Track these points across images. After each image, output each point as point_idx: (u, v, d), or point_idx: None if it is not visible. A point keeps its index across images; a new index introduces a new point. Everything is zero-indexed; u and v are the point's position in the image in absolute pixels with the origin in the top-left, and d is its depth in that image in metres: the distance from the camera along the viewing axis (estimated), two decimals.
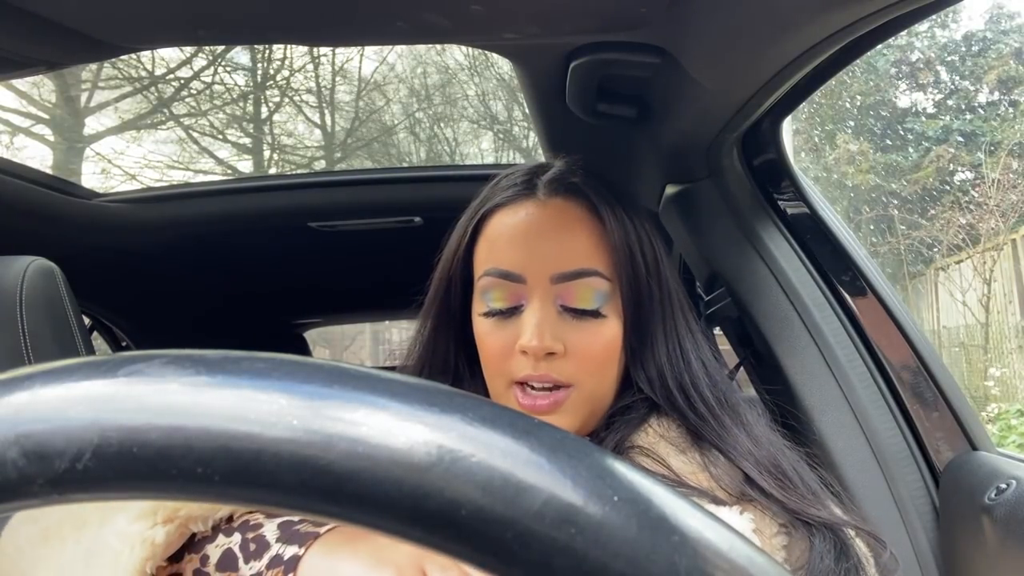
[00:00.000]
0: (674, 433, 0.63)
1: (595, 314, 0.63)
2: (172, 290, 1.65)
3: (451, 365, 0.69)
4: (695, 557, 0.17)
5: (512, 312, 0.64)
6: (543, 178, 0.68)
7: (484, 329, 0.65)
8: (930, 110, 9.77)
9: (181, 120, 8.75)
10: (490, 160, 10.09)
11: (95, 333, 1.67)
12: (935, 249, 7.42)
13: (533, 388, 0.62)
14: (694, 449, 0.62)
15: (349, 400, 0.18)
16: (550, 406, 0.62)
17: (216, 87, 8.75)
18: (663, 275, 0.66)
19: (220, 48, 7.52)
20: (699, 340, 0.67)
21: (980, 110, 9.31)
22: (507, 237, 0.65)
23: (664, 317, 0.65)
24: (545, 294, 0.63)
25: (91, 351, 1.12)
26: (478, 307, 0.66)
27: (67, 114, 7.91)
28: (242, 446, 0.17)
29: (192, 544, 0.45)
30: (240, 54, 8.70)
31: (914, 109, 9.90)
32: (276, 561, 0.42)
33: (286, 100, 9.48)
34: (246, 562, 0.43)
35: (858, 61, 0.85)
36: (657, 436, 0.62)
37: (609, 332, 0.63)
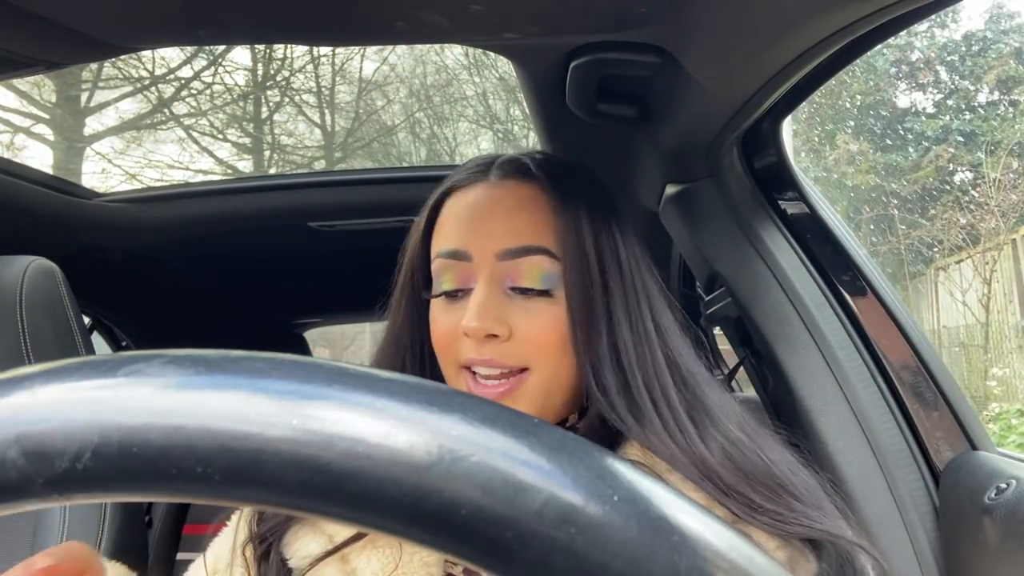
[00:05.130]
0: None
1: (544, 294, 0.61)
2: (172, 290, 1.65)
3: (417, 355, 0.67)
4: (695, 557, 0.17)
5: (462, 294, 0.62)
6: (497, 162, 0.67)
7: (435, 313, 0.63)
8: (930, 110, 9.77)
9: (181, 120, 8.76)
10: None
11: (95, 333, 1.67)
12: (935, 249, 7.42)
13: (482, 374, 0.60)
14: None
15: (349, 400, 0.18)
16: (498, 397, 0.59)
17: (216, 87, 8.76)
18: (625, 266, 0.63)
19: (220, 48, 7.52)
20: (670, 338, 0.64)
21: (980, 110, 9.32)
22: (456, 217, 0.64)
23: (626, 309, 0.62)
24: (492, 273, 0.61)
25: (91, 351, 1.12)
26: (433, 291, 0.64)
27: (67, 114, 7.91)
28: (242, 446, 0.17)
29: None
30: (240, 54, 8.71)
31: (914, 109, 9.90)
32: None
33: (286, 100, 9.49)
34: None
35: (858, 61, 0.85)
36: (647, 452, 0.59)
37: (560, 314, 0.60)
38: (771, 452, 0.60)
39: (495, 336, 0.59)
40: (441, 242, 0.64)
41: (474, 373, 0.61)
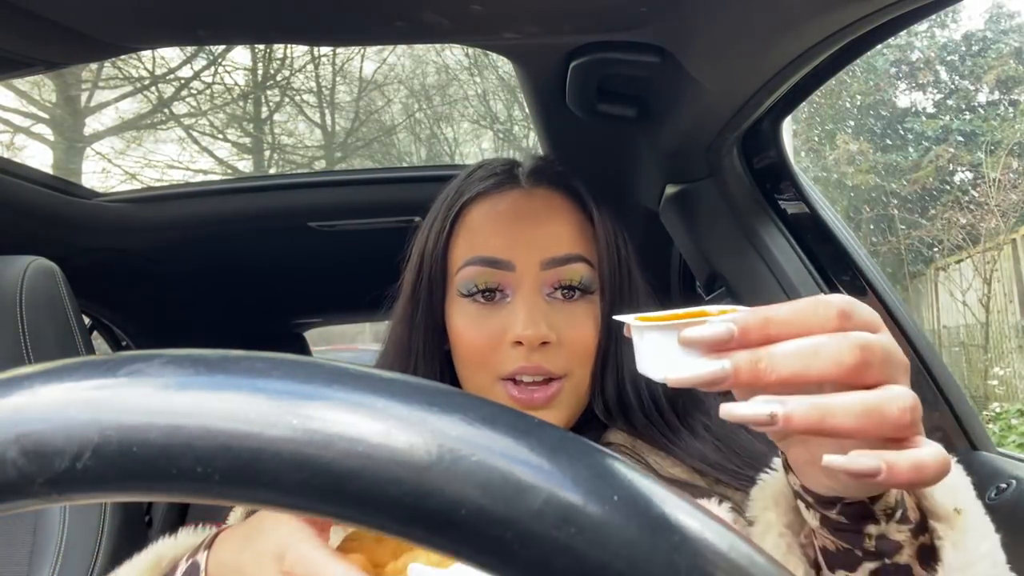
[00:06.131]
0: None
1: (582, 298, 0.62)
2: (172, 290, 1.65)
3: (431, 361, 0.66)
4: (695, 557, 0.17)
5: (498, 297, 0.62)
6: (524, 168, 0.67)
7: (464, 321, 0.62)
8: (930, 110, 9.77)
9: (181, 120, 8.76)
10: None
11: (95, 333, 1.67)
12: (935, 249, 7.42)
13: (525, 381, 0.60)
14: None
15: (349, 400, 0.18)
16: (546, 400, 0.59)
17: (216, 87, 8.76)
18: (633, 270, 0.66)
19: (220, 48, 7.52)
20: None
21: (980, 110, 9.32)
22: (491, 225, 0.63)
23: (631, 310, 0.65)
24: (534, 281, 0.61)
25: (91, 351, 1.11)
26: (456, 298, 0.63)
27: (67, 114, 7.91)
28: (242, 445, 0.17)
29: None
30: (240, 54, 8.71)
31: (914, 109, 9.91)
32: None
33: (286, 100, 9.49)
34: None
35: (858, 61, 0.85)
36: (629, 436, 0.61)
37: (595, 318, 0.62)
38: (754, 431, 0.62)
39: (546, 343, 0.60)
40: (473, 249, 0.63)
41: (515, 381, 0.60)
